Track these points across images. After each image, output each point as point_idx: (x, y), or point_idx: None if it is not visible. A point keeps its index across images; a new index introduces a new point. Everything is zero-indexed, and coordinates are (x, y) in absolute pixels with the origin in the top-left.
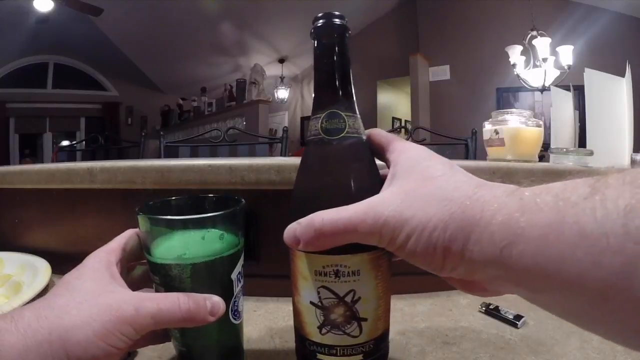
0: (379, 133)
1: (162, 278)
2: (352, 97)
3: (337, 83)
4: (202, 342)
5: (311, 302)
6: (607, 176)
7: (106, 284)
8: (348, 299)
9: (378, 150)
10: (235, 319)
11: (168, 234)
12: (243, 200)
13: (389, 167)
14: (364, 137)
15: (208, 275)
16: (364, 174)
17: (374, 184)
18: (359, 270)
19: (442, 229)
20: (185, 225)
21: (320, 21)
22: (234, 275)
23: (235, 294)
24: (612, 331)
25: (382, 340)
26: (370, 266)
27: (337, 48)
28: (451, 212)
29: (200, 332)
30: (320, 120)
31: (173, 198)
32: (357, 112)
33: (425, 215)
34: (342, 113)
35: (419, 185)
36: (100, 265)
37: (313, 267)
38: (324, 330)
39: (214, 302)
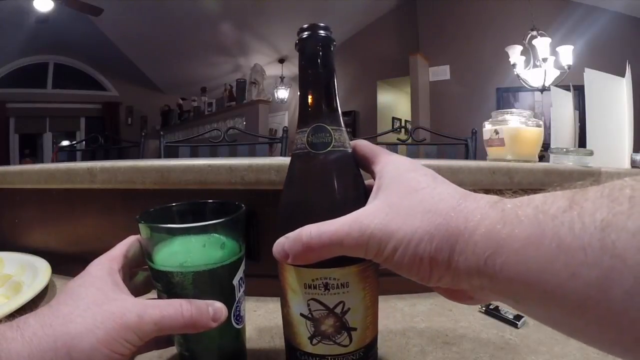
0: (365, 145)
1: (164, 285)
2: (338, 110)
3: (322, 96)
4: (205, 347)
5: (301, 314)
6: (587, 189)
7: (109, 291)
8: (338, 310)
9: (363, 162)
10: (237, 323)
11: (169, 242)
12: (243, 206)
13: (374, 179)
14: (350, 150)
15: (210, 282)
16: (351, 187)
17: (360, 197)
18: (348, 282)
19: (428, 240)
20: (187, 233)
21: (305, 33)
22: (235, 281)
23: (237, 299)
24: (595, 340)
25: (371, 347)
26: (358, 278)
27: (322, 61)
28: (436, 224)
29: (202, 336)
30: (306, 135)
31: (174, 204)
32: (343, 124)
33: (411, 227)
34: (328, 127)
35: (403, 198)
36: (103, 272)
37: (302, 280)
38: (314, 341)
39: (216, 308)
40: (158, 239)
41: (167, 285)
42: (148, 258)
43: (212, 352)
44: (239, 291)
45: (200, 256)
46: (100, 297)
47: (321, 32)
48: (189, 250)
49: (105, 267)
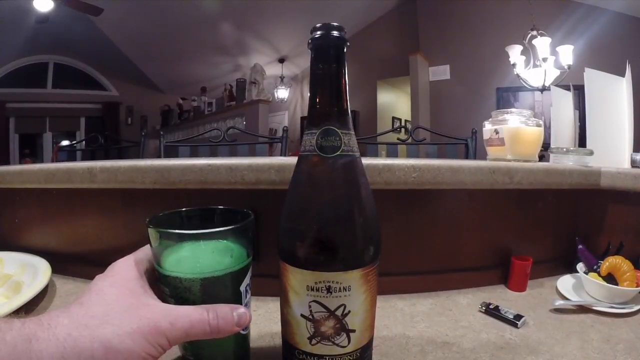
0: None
1: (172, 290)
2: (348, 114)
3: (334, 98)
4: (210, 352)
5: (302, 315)
6: None
7: (141, 295)
8: (339, 312)
9: None
10: (243, 329)
11: (178, 247)
12: (252, 213)
13: None
14: (358, 155)
15: (218, 288)
16: (359, 194)
17: (367, 203)
18: (350, 286)
19: None
20: (196, 239)
21: (319, 32)
22: (242, 288)
23: (243, 305)
24: None
25: (367, 348)
26: (360, 282)
27: (335, 61)
28: None
29: (208, 342)
30: (315, 137)
31: (182, 209)
32: (352, 128)
33: None
34: (338, 130)
35: None
36: (132, 275)
37: (305, 283)
38: (314, 341)
39: (240, 313)
40: (167, 244)
41: (175, 290)
42: (156, 263)
43: (217, 357)
44: (246, 297)
45: (209, 262)
46: (134, 301)
47: (336, 32)
48: (197, 256)
49: (133, 269)
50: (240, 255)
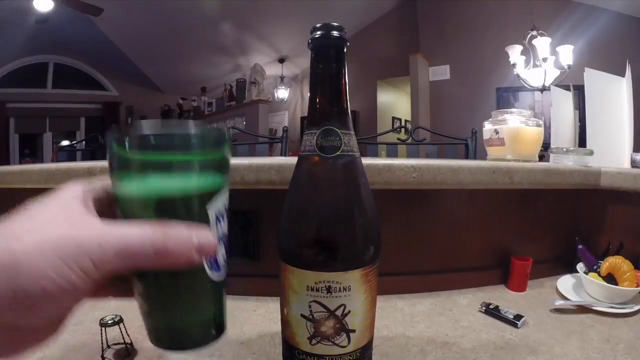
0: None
1: (125, 212)
2: (348, 114)
3: (334, 98)
4: (166, 298)
5: (302, 315)
6: None
7: (73, 213)
8: (339, 312)
9: None
10: (212, 269)
11: (135, 159)
12: (229, 128)
13: None
14: (358, 155)
15: (178, 210)
16: (359, 193)
17: (367, 203)
18: (350, 286)
19: None
20: (157, 145)
21: (319, 32)
22: (212, 212)
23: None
24: None
25: (367, 348)
26: (360, 282)
27: (335, 61)
28: None
29: (162, 283)
30: (315, 137)
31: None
32: (352, 128)
33: None
34: (338, 130)
35: None
36: (74, 196)
37: (305, 283)
38: (314, 341)
39: (203, 237)
40: (121, 151)
41: (127, 212)
42: (111, 180)
43: (176, 306)
44: (218, 228)
45: (171, 177)
46: (58, 218)
47: (335, 32)
48: (157, 170)
49: (78, 191)
50: (210, 172)
